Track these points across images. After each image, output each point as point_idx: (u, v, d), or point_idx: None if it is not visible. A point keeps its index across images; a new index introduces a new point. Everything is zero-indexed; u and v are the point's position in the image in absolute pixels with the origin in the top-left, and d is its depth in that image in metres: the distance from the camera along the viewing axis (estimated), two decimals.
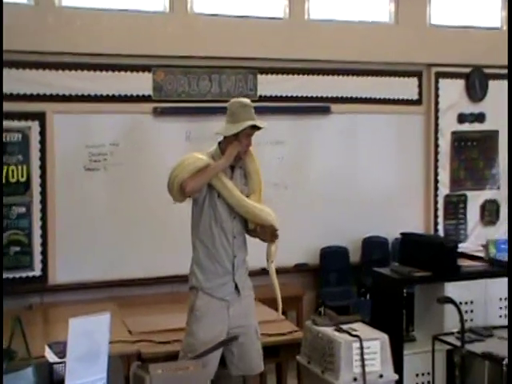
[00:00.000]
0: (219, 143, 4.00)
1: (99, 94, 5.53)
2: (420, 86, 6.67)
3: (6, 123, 5.18)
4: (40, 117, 5.34)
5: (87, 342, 2.89)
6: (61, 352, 2.99)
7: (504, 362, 3.81)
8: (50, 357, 3.05)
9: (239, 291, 3.95)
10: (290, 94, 6.09)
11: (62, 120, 5.40)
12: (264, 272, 4.07)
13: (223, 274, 3.92)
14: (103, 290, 5.43)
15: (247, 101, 4.04)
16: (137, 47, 5.56)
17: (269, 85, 6.01)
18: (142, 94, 5.68)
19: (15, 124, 5.25)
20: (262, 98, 5.96)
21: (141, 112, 5.66)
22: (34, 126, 5.33)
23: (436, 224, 6.70)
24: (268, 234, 3.96)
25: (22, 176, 5.28)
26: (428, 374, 4.40)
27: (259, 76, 6.04)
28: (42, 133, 5.35)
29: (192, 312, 3.93)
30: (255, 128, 3.93)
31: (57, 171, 5.39)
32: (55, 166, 5.39)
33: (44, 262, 5.38)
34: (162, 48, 5.65)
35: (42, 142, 5.36)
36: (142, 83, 5.66)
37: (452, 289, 4.50)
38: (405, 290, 4.68)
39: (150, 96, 5.70)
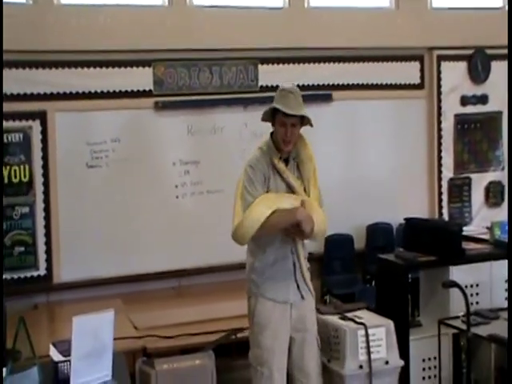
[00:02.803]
0: (271, 133, 3.84)
1: (99, 90, 5.51)
2: (422, 69, 6.62)
3: (7, 124, 5.17)
4: (41, 116, 5.34)
5: (92, 339, 2.92)
6: (65, 350, 2.99)
7: None
8: (55, 356, 3.06)
9: (301, 292, 3.76)
10: (291, 83, 6.03)
11: (63, 118, 5.40)
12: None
13: (284, 275, 3.71)
14: (108, 286, 5.43)
15: (287, 86, 3.81)
16: (136, 42, 5.54)
17: (270, 75, 5.97)
18: (142, 89, 5.66)
19: (16, 124, 5.25)
20: (264, 89, 5.94)
21: (142, 107, 5.64)
22: (35, 125, 5.33)
23: (440, 208, 6.66)
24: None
25: (25, 176, 5.27)
26: (434, 358, 4.42)
27: (260, 66, 6.02)
28: (44, 132, 5.35)
29: (253, 320, 3.74)
30: (293, 117, 3.69)
31: (59, 170, 5.39)
32: (57, 165, 5.39)
33: (48, 261, 5.38)
34: (162, 42, 5.62)
35: (44, 141, 5.35)
36: (142, 78, 5.65)
37: (457, 272, 4.52)
38: (410, 276, 4.70)
39: (150, 91, 5.69)
